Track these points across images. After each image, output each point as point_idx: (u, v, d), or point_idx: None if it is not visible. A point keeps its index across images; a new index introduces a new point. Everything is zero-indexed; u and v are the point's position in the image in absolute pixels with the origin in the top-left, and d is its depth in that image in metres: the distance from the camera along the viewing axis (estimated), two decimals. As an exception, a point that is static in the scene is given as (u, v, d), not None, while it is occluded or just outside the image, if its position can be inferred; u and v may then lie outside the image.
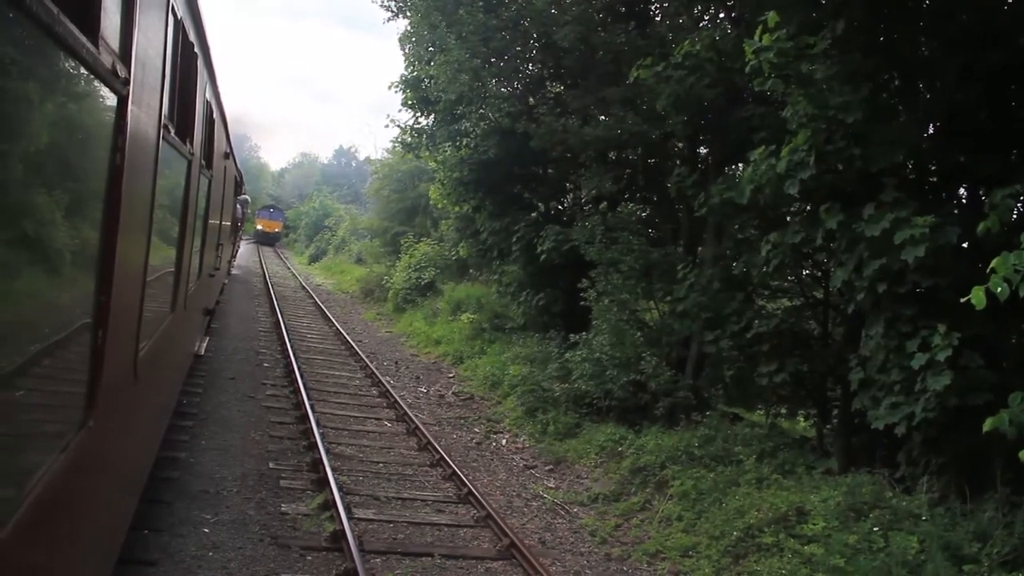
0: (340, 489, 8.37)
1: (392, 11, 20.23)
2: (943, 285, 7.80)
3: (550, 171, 18.51)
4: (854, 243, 8.42)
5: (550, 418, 12.46)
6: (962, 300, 5.50)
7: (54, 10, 1.76)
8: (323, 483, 8.58)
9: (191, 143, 5.76)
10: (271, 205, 69.63)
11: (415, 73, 20.05)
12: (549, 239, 15.93)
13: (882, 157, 8.44)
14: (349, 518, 7.64)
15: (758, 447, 9.81)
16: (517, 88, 17.85)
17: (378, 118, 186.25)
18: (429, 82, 19.13)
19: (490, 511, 8.55)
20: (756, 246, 10.65)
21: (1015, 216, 7.75)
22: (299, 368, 14.21)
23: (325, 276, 40.64)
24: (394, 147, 31.77)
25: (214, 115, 8.62)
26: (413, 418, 12.15)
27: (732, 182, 10.78)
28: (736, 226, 12.23)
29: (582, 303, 14.71)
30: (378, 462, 10.09)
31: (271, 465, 9.16)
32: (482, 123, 17.52)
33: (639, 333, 13.26)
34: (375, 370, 15.60)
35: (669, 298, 12.67)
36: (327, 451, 9.58)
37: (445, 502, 9.01)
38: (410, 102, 20.60)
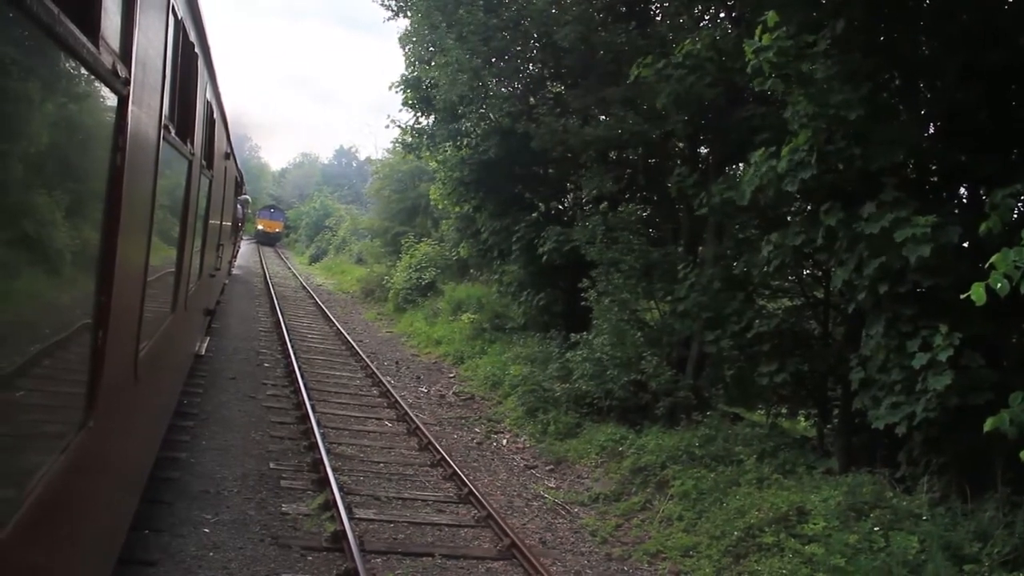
0: (341, 489, 8.37)
1: (392, 10, 20.25)
2: (944, 285, 7.80)
3: (551, 171, 18.51)
4: (854, 242, 8.42)
5: (551, 418, 12.46)
6: (962, 296, 5.49)
7: (54, 10, 1.76)
8: (324, 483, 8.58)
9: (191, 143, 5.76)
10: (272, 205, 69.63)
11: (415, 73, 20.05)
12: (550, 240, 15.93)
13: (882, 156, 8.44)
14: (350, 518, 7.64)
15: (759, 447, 9.81)
16: (517, 88, 17.85)
17: (378, 118, 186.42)
18: (429, 83, 19.13)
19: (491, 511, 8.55)
20: (757, 246, 10.65)
21: (1015, 216, 7.73)
22: (300, 368, 14.21)
23: (326, 276, 40.64)
24: (394, 147, 31.79)
25: (214, 115, 8.62)
26: (414, 418, 12.15)
27: (733, 182, 10.79)
28: (736, 226, 12.24)
29: (583, 303, 14.71)
30: (379, 462, 10.09)
31: (272, 465, 9.16)
32: (482, 123, 17.53)
33: (640, 333, 13.26)
34: (376, 370, 15.60)
35: (670, 298, 12.67)
36: (328, 451, 9.58)
37: (446, 502, 9.01)
38: (410, 102, 20.61)
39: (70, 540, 2.73)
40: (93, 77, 2.36)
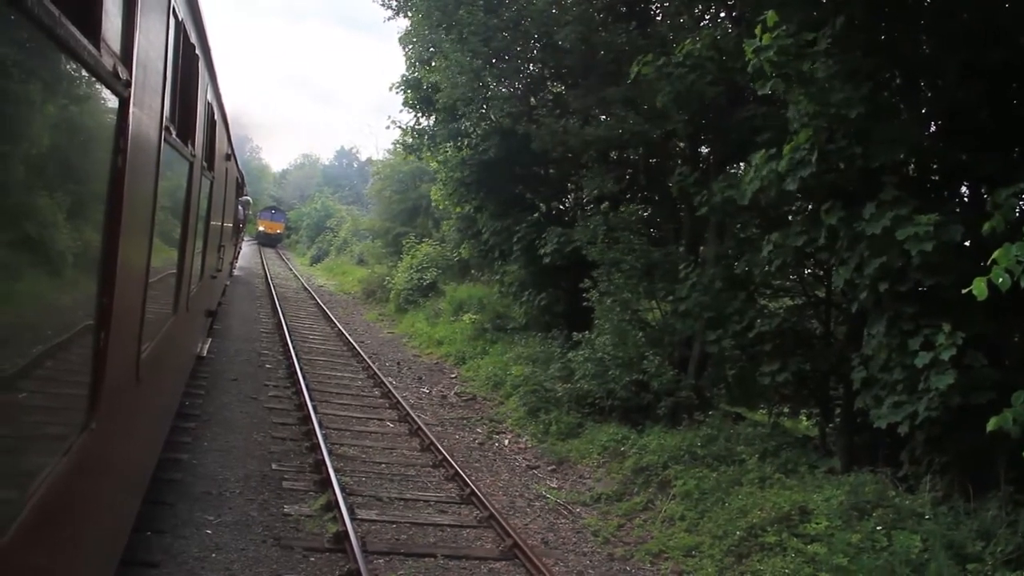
0: (343, 490, 8.37)
1: (392, 9, 20.27)
2: (945, 284, 7.78)
3: (551, 171, 18.52)
4: (856, 242, 8.41)
5: (552, 418, 12.46)
6: (963, 291, 5.49)
7: (55, 12, 1.76)
8: (326, 484, 8.59)
9: (192, 145, 5.76)
10: (273, 206, 69.60)
11: (416, 74, 20.07)
12: (551, 242, 15.94)
13: (883, 155, 8.43)
14: (352, 519, 7.64)
15: (761, 446, 9.81)
16: (518, 88, 17.85)
17: (379, 119, 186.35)
18: (430, 87, 19.14)
19: (493, 511, 8.55)
20: (758, 245, 10.63)
21: (1018, 214, 7.72)
22: (301, 369, 14.21)
23: (327, 277, 40.64)
24: (395, 148, 31.82)
25: (215, 117, 8.63)
26: (415, 419, 12.15)
27: (733, 180, 10.78)
28: (738, 225, 12.23)
29: (584, 303, 14.71)
30: (381, 463, 10.10)
31: (274, 466, 9.16)
32: (483, 123, 17.53)
33: (641, 333, 13.27)
34: (377, 371, 15.60)
35: (671, 298, 12.66)
36: (330, 452, 9.58)
37: (448, 503, 9.01)
38: (411, 102, 20.62)
39: (73, 542, 2.73)
40: (94, 79, 2.36)
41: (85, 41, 2.05)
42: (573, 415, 12.55)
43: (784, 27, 8.41)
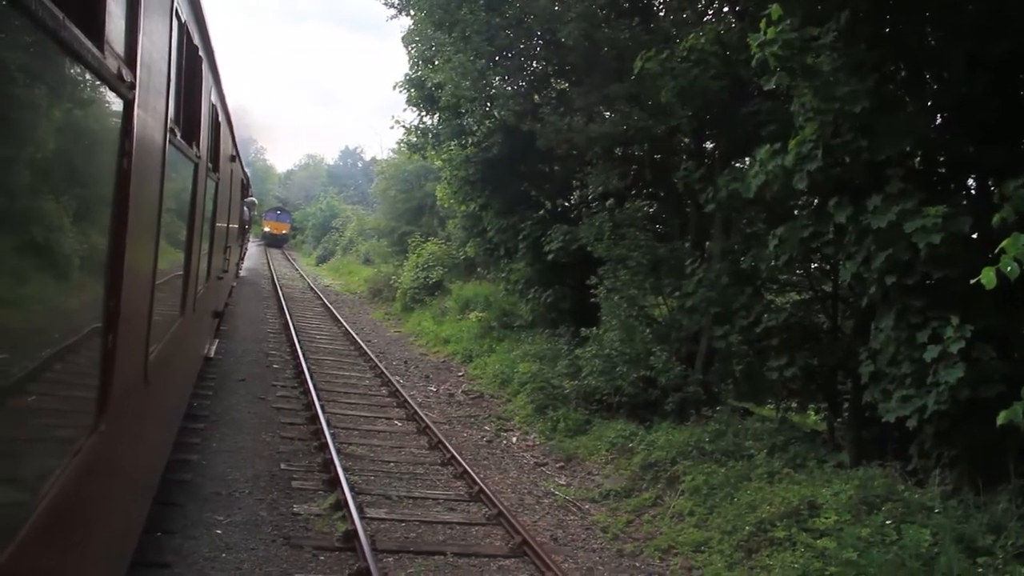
0: (352, 489, 8.38)
1: (395, 7, 20.26)
2: (953, 276, 7.74)
3: (556, 168, 18.50)
4: (862, 235, 8.38)
5: (560, 415, 12.45)
6: (972, 281, 5.46)
7: (59, 15, 1.76)
8: (335, 483, 8.60)
9: (197, 146, 5.77)
10: (278, 207, 69.72)
11: (419, 72, 20.06)
12: (557, 239, 15.92)
13: (889, 148, 8.39)
14: (361, 518, 7.66)
15: (769, 441, 9.78)
16: (522, 86, 17.82)
17: (383, 119, 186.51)
18: (433, 86, 19.13)
19: (501, 509, 8.55)
20: (764, 240, 10.61)
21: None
22: (309, 369, 14.24)
23: (333, 277, 40.70)
24: (399, 147, 31.83)
25: (220, 118, 8.64)
26: (423, 417, 12.16)
27: (739, 174, 10.75)
28: (744, 220, 12.20)
29: (591, 299, 14.69)
30: (389, 461, 10.11)
31: (283, 466, 9.19)
32: (487, 121, 17.51)
33: (648, 329, 13.24)
34: (384, 370, 15.62)
35: (678, 293, 12.64)
36: (338, 451, 9.59)
37: (456, 500, 9.02)
38: (415, 100, 20.61)
39: (83, 544, 2.75)
40: (98, 82, 2.37)
41: (89, 44, 2.06)
42: (581, 412, 12.54)
43: (788, 21, 8.37)
